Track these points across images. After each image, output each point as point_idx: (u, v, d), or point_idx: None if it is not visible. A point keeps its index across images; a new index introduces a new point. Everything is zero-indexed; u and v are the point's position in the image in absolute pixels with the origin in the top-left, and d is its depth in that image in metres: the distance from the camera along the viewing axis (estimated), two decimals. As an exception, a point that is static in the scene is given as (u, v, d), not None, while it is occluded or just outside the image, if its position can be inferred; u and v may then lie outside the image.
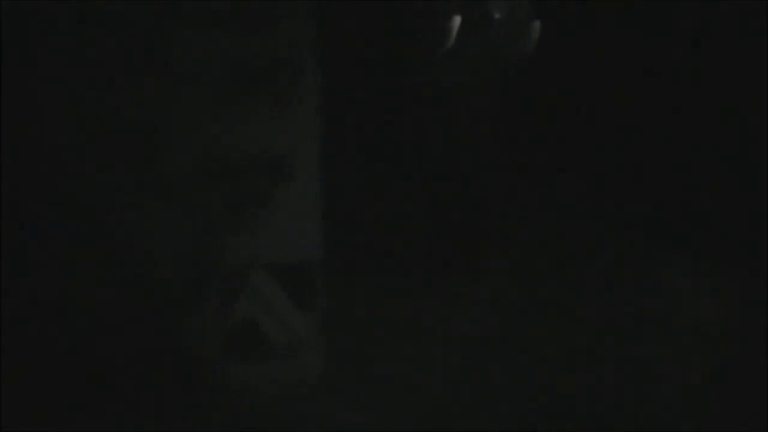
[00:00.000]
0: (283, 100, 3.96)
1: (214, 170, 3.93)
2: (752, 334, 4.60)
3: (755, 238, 5.31)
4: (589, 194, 6.06)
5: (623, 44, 6.14)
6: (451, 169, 5.16)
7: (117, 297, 3.92)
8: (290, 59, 3.93)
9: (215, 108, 3.91)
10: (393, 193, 5.71)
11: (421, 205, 5.32)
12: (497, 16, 4.91)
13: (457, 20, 4.88)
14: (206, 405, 4.00)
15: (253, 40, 3.89)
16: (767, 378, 4.21)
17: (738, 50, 5.69)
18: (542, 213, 5.91)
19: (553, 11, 5.20)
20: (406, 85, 5.27)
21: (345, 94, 5.66)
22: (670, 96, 5.97)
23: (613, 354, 4.46)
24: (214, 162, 3.93)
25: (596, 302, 4.90)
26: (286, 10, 3.89)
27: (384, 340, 4.56)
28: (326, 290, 4.18)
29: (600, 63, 6.20)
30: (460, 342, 4.56)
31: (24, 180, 3.81)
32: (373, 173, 5.95)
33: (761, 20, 5.59)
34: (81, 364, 3.90)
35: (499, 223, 5.39)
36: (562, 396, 4.15)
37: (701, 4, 5.84)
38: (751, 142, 5.58)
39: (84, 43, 3.77)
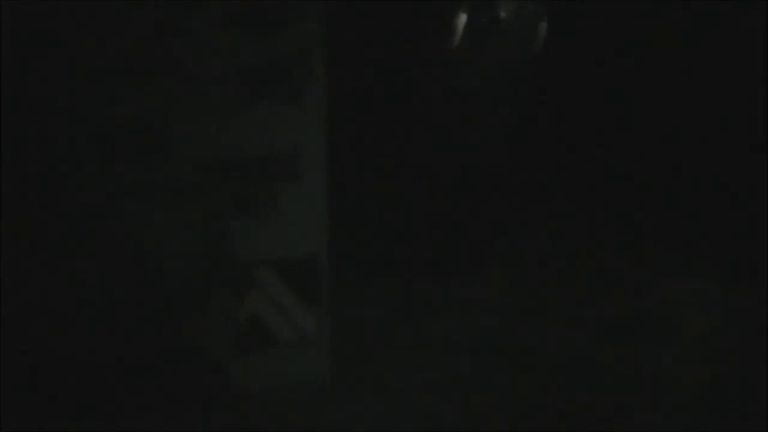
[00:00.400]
0: (290, 100, 3.97)
1: (220, 169, 3.93)
2: (752, 337, 4.61)
3: (755, 241, 5.31)
4: (589, 198, 6.06)
5: (624, 45, 6.14)
6: (455, 170, 5.17)
7: (122, 295, 3.92)
8: (298, 60, 3.93)
9: (223, 107, 3.91)
10: (398, 193, 5.71)
11: (426, 205, 5.33)
12: (503, 15, 4.90)
13: (462, 19, 4.88)
14: (211, 402, 4.00)
15: (261, 40, 3.90)
16: (767, 379, 4.22)
17: (738, 50, 5.69)
18: (543, 216, 5.91)
19: (560, 13, 5.20)
20: (411, 85, 5.27)
21: (351, 94, 5.67)
22: (676, 100, 5.97)
23: (613, 356, 4.46)
24: (221, 161, 3.93)
25: (597, 306, 4.90)
26: (294, 11, 3.89)
27: (387, 338, 4.56)
28: (331, 288, 4.18)
29: (600, 65, 6.20)
30: (462, 342, 4.56)
31: (38, 180, 3.81)
32: (378, 173, 5.95)
33: (761, 20, 5.59)
34: (83, 363, 3.90)
35: (502, 224, 5.39)
36: (561, 398, 4.15)
37: (702, 4, 5.84)
38: (752, 144, 5.58)
39: (89, 43, 3.77)
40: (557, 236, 5.69)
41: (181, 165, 3.90)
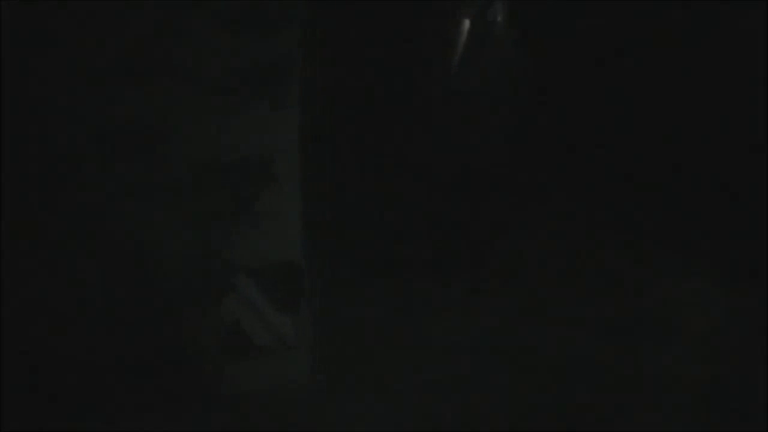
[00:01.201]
0: (277, 102, 3.96)
1: (201, 172, 3.92)
2: (752, 337, 4.60)
3: (755, 241, 5.30)
4: (589, 198, 6.06)
5: (624, 45, 6.14)
6: (455, 170, 5.17)
7: (121, 295, 3.92)
8: (287, 61, 3.93)
9: (205, 109, 3.90)
10: (398, 193, 5.70)
11: (426, 205, 5.32)
12: (500, 18, 4.92)
13: (466, 24, 4.89)
14: (211, 402, 4.00)
15: (257, 41, 3.89)
16: (767, 379, 4.22)
17: (738, 50, 5.69)
18: (543, 216, 5.91)
19: (560, 13, 5.20)
20: (411, 85, 5.27)
21: (350, 95, 5.66)
22: (676, 100, 5.97)
23: (613, 356, 4.46)
24: (202, 164, 3.91)
25: (597, 306, 4.90)
26: (286, 12, 3.89)
27: (387, 338, 4.56)
28: (312, 292, 4.17)
29: (600, 65, 6.20)
30: (462, 342, 4.56)
31: (38, 180, 3.81)
32: (377, 172, 5.94)
33: (761, 20, 5.59)
34: (83, 363, 3.90)
35: (502, 224, 5.39)
36: (561, 398, 4.15)
37: (702, 4, 5.84)
38: (752, 144, 5.58)
39: (89, 43, 3.77)
40: (557, 236, 5.69)
41: (179, 166, 3.89)
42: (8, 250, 3.80)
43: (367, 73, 5.95)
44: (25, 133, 3.77)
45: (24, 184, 3.79)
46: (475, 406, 4.08)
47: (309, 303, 4.14)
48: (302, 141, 4.01)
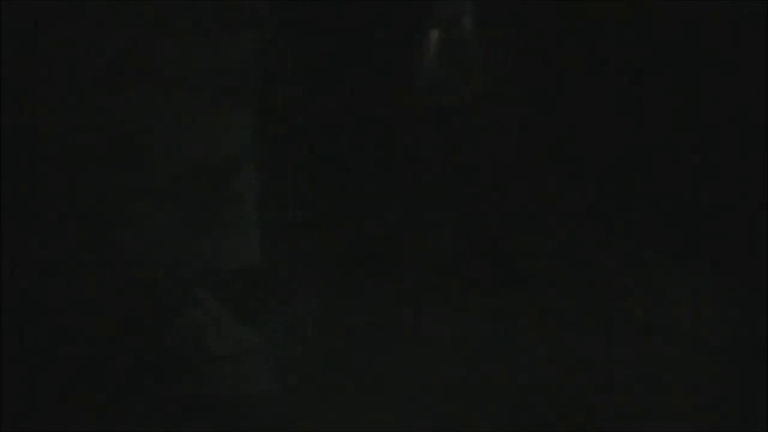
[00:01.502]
0: (246, 106, 3.93)
1: (164, 177, 3.89)
2: (751, 337, 4.61)
3: (755, 241, 5.31)
4: (590, 198, 6.06)
5: (624, 45, 6.14)
6: (452, 170, 5.17)
7: (112, 297, 3.92)
8: (254, 65, 3.90)
9: (167, 113, 3.88)
10: (388, 194, 5.70)
11: (418, 208, 5.32)
12: (468, 25, 4.95)
13: (434, 35, 4.91)
14: (202, 405, 4.01)
15: (223, 45, 3.87)
16: (767, 382, 4.22)
17: (738, 50, 5.69)
18: (543, 217, 5.91)
19: (560, 13, 5.20)
20: (374, 92, 5.28)
21: (310, 100, 5.65)
22: (676, 100, 5.97)
23: (612, 356, 4.46)
24: (164, 168, 3.89)
25: (597, 306, 4.90)
26: (262, 17, 3.87)
27: (382, 340, 4.56)
28: (273, 299, 4.16)
29: (601, 65, 6.20)
30: (461, 342, 4.56)
31: (37, 180, 3.82)
32: (324, 181, 5.91)
33: (761, 20, 5.60)
34: (83, 363, 3.91)
35: (500, 225, 5.39)
36: (561, 397, 4.15)
37: (702, 4, 5.84)
38: (752, 144, 5.58)
39: (69, 46, 3.77)
40: (557, 236, 5.68)
41: (137, 176, 3.87)
42: (8, 250, 3.81)
43: (338, 76, 5.95)
44: (15, 137, 3.77)
45: (24, 184, 3.80)
46: (476, 405, 4.08)
47: (279, 309, 4.13)
48: (270, 144, 4.00)
